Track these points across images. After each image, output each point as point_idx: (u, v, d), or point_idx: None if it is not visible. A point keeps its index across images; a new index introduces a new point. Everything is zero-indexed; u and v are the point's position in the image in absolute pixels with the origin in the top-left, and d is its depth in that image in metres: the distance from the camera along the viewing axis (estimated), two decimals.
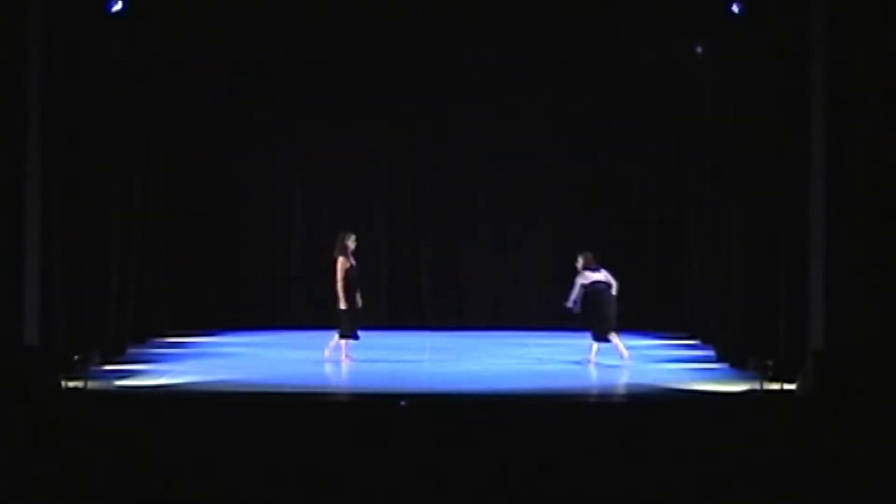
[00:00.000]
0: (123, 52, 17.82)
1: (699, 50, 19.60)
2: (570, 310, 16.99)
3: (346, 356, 16.98)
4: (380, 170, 22.26)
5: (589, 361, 16.92)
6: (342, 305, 16.77)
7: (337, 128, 22.05)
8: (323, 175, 22.29)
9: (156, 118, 19.91)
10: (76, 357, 14.70)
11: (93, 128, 16.59)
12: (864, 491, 9.64)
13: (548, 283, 22.14)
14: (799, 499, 9.58)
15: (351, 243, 16.88)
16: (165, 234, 20.76)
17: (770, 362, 14.67)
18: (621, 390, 15.55)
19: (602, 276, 16.92)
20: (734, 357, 16.63)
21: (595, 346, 16.92)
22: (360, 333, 16.96)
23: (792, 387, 14.27)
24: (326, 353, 17.06)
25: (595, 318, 16.91)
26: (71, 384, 14.16)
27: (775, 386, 14.38)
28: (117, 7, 16.61)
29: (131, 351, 17.97)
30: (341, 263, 16.80)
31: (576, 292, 16.94)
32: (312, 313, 20.78)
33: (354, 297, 16.82)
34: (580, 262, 17.07)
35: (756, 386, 14.47)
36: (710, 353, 18.06)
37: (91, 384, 14.34)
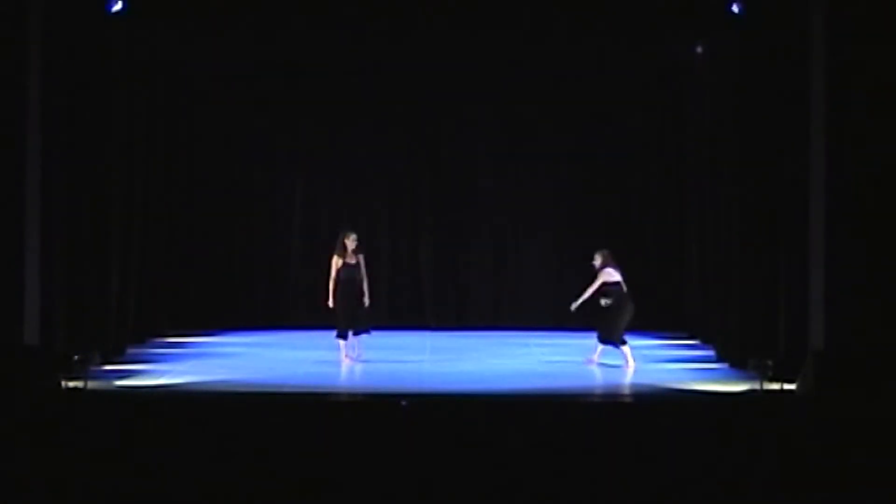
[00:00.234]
0: (123, 52, 17.82)
1: (699, 50, 19.60)
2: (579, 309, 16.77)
3: (346, 356, 16.97)
4: (380, 170, 22.25)
5: (591, 362, 16.88)
6: (330, 304, 16.79)
7: (337, 128, 22.05)
8: (323, 175, 22.28)
9: (156, 118, 19.91)
10: (76, 357, 14.69)
11: (93, 128, 16.59)
12: (864, 491, 9.64)
13: (548, 283, 22.19)
14: (799, 499, 9.58)
15: (350, 242, 16.86)
16: (165, 234, 20.76)
17: (770, 362, 14.66)
18: (621, 390, 15.54)
19: (619, 276, 16.83)
20: (734, 357, 16.63)
21: (600, 347, 16.85)
22: (362, 332, 16.93)
23: (792, 387, 14.27)
24: (341, 355, 17.03)
25: (611, 321, 16.72)
26: (71, 384, 14.15)
27: (775, 386, 14.38)
28: (117, 7, 16.60)
29: (131, 351, 17.97)
30: (334, 262, 16.82)
31: (592, 291, 16.69)
32: (312, 313, 20.77)
33: (348, 296, 16.77)
34: (598, 261, 16.81)
35: (756, 386, 14.46)
36: (710, 353, 18.06)
37: (91, 384, 14.33)
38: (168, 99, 20.70)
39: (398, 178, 22.34)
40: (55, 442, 11.05)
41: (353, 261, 16.82)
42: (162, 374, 15.84)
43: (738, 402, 14.11)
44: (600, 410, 13.80)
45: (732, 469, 10.21)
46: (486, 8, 17.81)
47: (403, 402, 12.90)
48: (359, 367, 16.75)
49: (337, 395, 15.23)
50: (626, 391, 15.48)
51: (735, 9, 16.51)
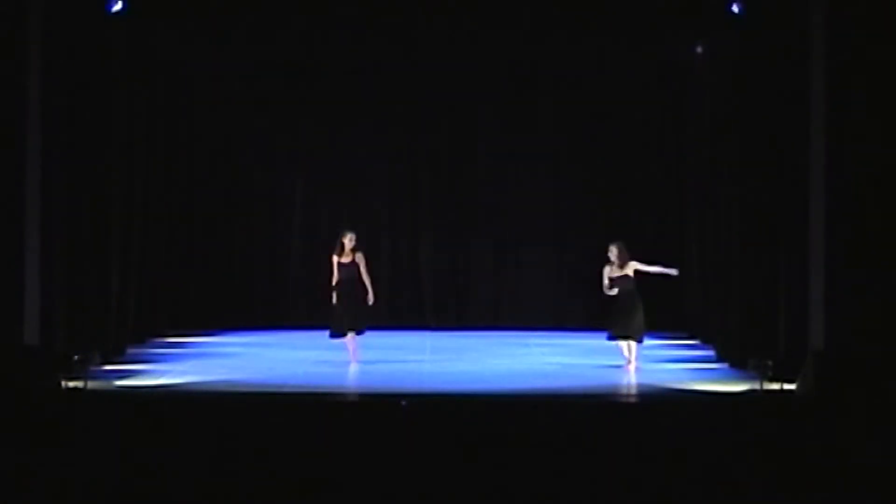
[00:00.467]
0: (123, 52, 17.82)
1: (699, 50, 19.60)
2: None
3: (354, 357, 16.92)
4: (380, 170, 22.25)
5: (629, 362, 16.68)
6: (334, 300, 16.81)
7: (337, 128, 22.04)
8: (323, 175, 22.28)
9: (156, 118, 19.91)
10: (76, 357, 14.69)
11: (93, 128, 16.59)
12: (864, 491, 9.64)
13: (548, 283, 22.19)
14: (799, 499, 9.58)
15: (347, 241, 16.80)
16: (165, 234, 20.76)
17: (770, 362, 14.66)
18: (622, 390, 15.53)
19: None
20: (734, 357, 16.63)
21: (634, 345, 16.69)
22: (358, 333, 16.90)
23: (792, 387, 14.27)
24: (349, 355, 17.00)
25: (633, 319, 16.63)
26: (71, 384, 14.15)
27: (775, 386, 14.37)
28: (117, 7, 16.60)
29: (131, 351, 17.96)
30: (333, 261, 16.82)
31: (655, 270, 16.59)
32: (312, 313, 20.78)
33: (345, 295, 16.73)
34: (615, 252, 16.64)
35: (756, 386, 14.46)
36: (710, 353, 18.06)
37: (91, 384, 14.33)
38: (168, 99, 20.69)
39: (398, 178, 22.33)
40: (55, 442, 11.05)
41: (348, 260, 16.76)
42: (162, 374, 15.83)
43: (738, 402, 14.11)
44: (600, 410, 13.79)
45: (732, 469, 10.20)
46: (486, 8, 17.81)
47: (403, 402, 12.90)
48: (357, 368, 16.72)
49: (337, 395, 15.22)
50: (627, 391, 15.47)
51: (735, 9, 16.51)
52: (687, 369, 16.66)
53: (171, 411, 12.84)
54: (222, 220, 22.02)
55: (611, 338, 16.69)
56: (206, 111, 21.82)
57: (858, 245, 14.51)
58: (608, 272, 16.66)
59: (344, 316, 16.72)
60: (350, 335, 16.79)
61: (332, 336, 16.86)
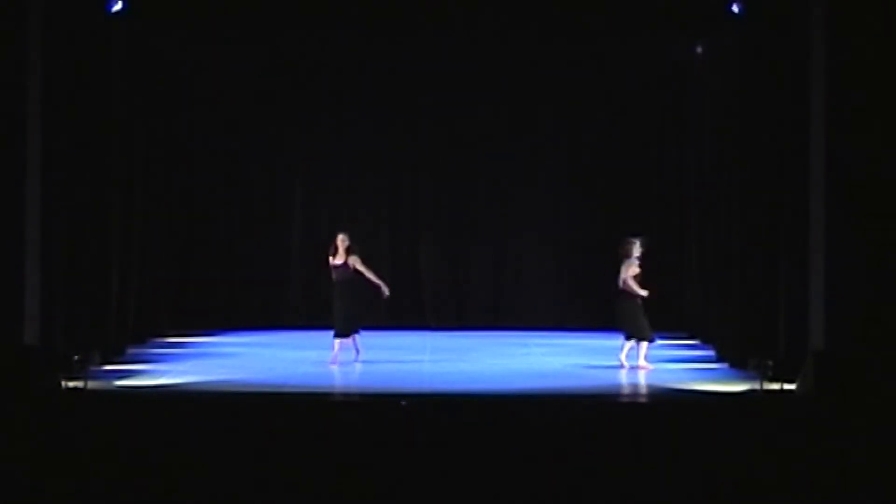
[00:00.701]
0: (123, 52, 17.83)
1: (699, 50, 19.61)
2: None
3: (335, 360, 16.87)
4: (380, 170, 22.27)
5: (643, 368, 16.63)
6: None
7: (337, 127, 22.06)
8: (323, 175, 22.29)
9: (156, 118, 19.91)
10: (76, 357, 14.69)
11: (93, 128, 16.59)
12: (864, 491, 9.64)
13: (548, 283, 22.20)
14: (799, 499, 9.58)
15: (339, 242, 16.82)
16: (165, 234, 20.77)
17: (770, 362, 14.66)
18: (622, 391, 15.53)
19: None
20: (734, 357, 16.63)
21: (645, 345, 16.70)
22: (347, 334, 16.86)
23: (792, 387, 14.27)
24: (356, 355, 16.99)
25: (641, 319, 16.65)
26: (71, 384, 14.15)
27: (775, 386, 14.37)
28: (117, 7, 16.62)
29: (131, 351, 17.97)
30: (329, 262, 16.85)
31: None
32: (312, 313, 20.79)
33: (338, 297, 16.71)
34: (639, 249, 16.70)
35: (756, 386, 14.46)
36: (710, 353, 18.06)
37: (91, 384, 14.33)
38: (168, 99, 20.70)
39: (398, 178, 22.34)
40: (55, 442, 11.05)
41: (340, 261, 16.75)
42: (162, 374, 15.83)
43: (738, 402, 14.11)
44: (600, 410, 13.79)
45: (732, 469, 10.20)
46: (486, 9, 17.81)
47: (403, 402, 12.90)
48: (358, 368, 16.71)
49: (337, 395, 15.23)
50: (627, 391, 15.47)
51: (735, 9, 16.52)
52: (687, 369, 16.67)
53: (171, 411, 12.83)
54: (222, 220, 22.04)
55: (651, 339, 16.64)
56: (206, 111, 21.83)
57: (858, 245, 14.50)
58: (634, 271, 16.57)
59: (344, 317, 16.71)
60: (335, 339, 16.76)
61: (336, 336, 16.82)
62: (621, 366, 16.50)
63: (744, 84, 16.69)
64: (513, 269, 22.41)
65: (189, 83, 21.48)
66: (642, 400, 14.79)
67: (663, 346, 19.00)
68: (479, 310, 22.28)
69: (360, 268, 16.77)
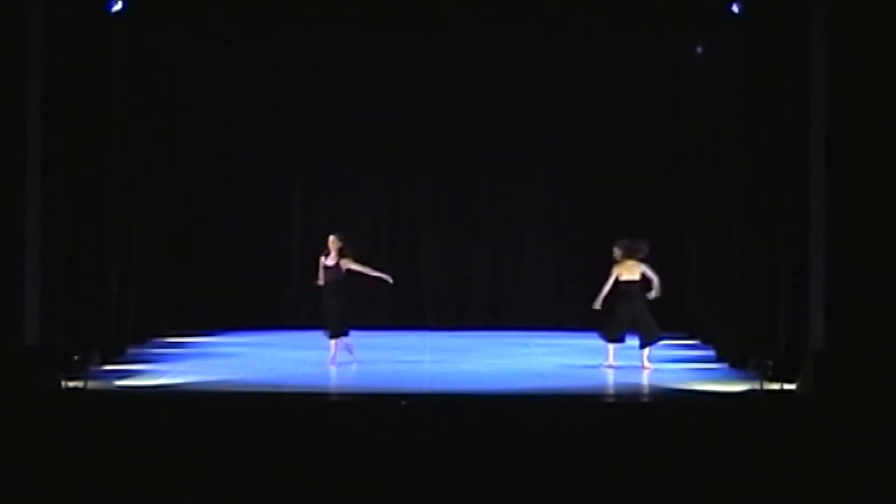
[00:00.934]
0: (123, 52, 17.82)
1: (699, 50, 19.61)
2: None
3: (333, 360, 16.85)
4: (380, 170, 22.25)
5: (645, 368, 16.61)
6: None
7: (337, 127, 22.04)
8: (323, 175, 22.28)
9: (156, 118, 19.91)
10: (76, 357, 14.69)
11: (93, 128, 16.59)
12: (864, 491, 9.64)
13: (548, 283, 22.19)
14: (799, 499, 9.58)
15: (331, 243, 16.79)
16: (165, 234, 20.76)
17: (770, 362, 14.66)
18: (621, 391, 15.52)
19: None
20: (734, 357, 16.63)
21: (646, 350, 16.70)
22: (337, 335, 16.79)
23: (792, 387, 14.27)
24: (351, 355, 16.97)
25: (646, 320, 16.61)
26: (71, 384, 14.15)
27: (775, 386, 14.38)
28: (117, 7, 16.62)
29: (131, 351, 17.96)
30: (321, 262, 16.84)
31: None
32: (312, 313, 20.78)
33: (327, 297, 16.72)
34: (619, 253, 16.62)
35: (756, 386, 14.46)
36: (710, 353, 18.06)
37: (91, 384, 14.33)
38: (168, 99, 20.70)
39: (398, 178, 22.33)
40: (55, 442, 11.05)
41: (332, 262, 16.74)
42: (162, 374, 15.83)
43: (738, 402, 14.11)
44: (600, 410, 13.80)
45: (732, 469, 10.20)
46: (486, 9, 17.81)
47: (403, 402, 12.90)
48: (354, 368, 16.68)
49: (336, 395, 15.23)
50: (627, 392, 15.46)
51: (735, 9, 16.51)
52: (687, 369, 16.66)
53: (171, 411, 12.83)
54: (222, 220, 22.03)
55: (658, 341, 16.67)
56: (206, 111, 21.82)
57: (858, 245, 14.51)
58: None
59: (334, 317, 16.68)
60: (331, 340, 16.74)
61: (331, 337, 16.81)
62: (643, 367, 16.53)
63: (744, 84, 16.69)
64: (513, 269, 22.40)
65: (189, 83, 21.47)
66: (642, 400, 14.78)
67: (663, 346, 19.02)
68: (479, 310, 22.27)
69: (356, 268, 16.72)
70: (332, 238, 16.77)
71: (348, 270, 16.66)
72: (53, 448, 10.81)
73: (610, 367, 16.55)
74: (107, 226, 17.25)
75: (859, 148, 14.52)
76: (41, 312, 14.87)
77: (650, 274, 16.52)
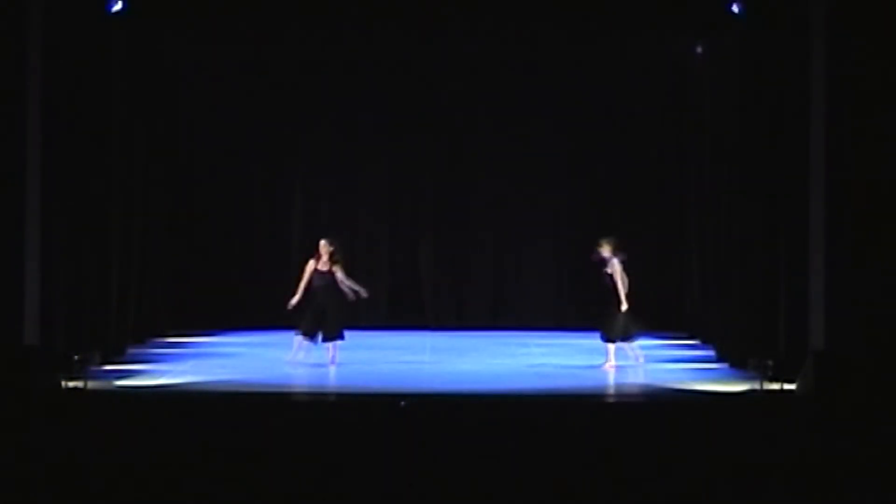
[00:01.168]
0: (123, 52, 17.82)
1: (699, 50, 19.61)
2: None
3: (295, 356, 16.83)
4: (380, 170, 22.26)
5: (638, 362, 16.73)
6: (292, 302, 16.87)
7: (337, 127, 22.05)
8: (323, 175, 22.28)
9: (156, 118, 19.91)
10: (76, 357, 14.69)
11: (93, 128, 16.59)
12: (863, 491, 9.64)
13: (548, 283, 22.20)
14: (799, 499, 9.58)
15: (322, 248, 16.80)
16: (165, 234, 20.76)
17: (770, 362, 14.67)
18: (621, 391, 15.53)
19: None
20: (734, 357, 16.63)
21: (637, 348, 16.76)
22: (337, 339, 16.78)
23: (792, 387, 14.27)
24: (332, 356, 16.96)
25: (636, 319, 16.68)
26: (71, 384, 14.15)
27: (775, 386, 14.38)
28: (117, 7, 16.61)
29: (131, 351, 17.97)
30: (308, 266, 16.87)
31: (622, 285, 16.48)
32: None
33: (314, 301, 16.71)
34: (607, 250, 16.71)
35: (756, 386, 14.47)
36: (710, 353, 18.06)
37: (91, 384, 14.34)
38: (168, 99, 20.70)
39: (398, 178, 22.33)
40: (55, 442, 11.05)
41: (325, 268, 16.74)
42: (162, 374, 15.83)
43: (738, 402, 14.11)
44: (600, 410, 13.80)
45: (732, 469, 10.20)
46: (486, 9, 17.81)
47: (403, 402, 12.90)
48: (335, 370, 16.66)
49: (336, 395, 15.22)
50: (627, 391, 15.47)
51: (735, 9, 16.51)
52: (687, 369, 16.66)
53: (171, 411, 12.84)
54: (222, 220, 22.02)
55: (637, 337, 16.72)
56: (206, 111, 21.82)
57: (858, 245, 14.51)
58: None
59: (314, 321, 16.66)
60: (330, 342, 16.74)
61: (300, 334, 16.80)
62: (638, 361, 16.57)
63: (744, 84, 16.69)
64: (513, 269, 22.41)
65: (189, 83, 21.47)
66: (642, 400, 14.78)
67: (663, 346, 19.03)
68: (479, 310, 22.27)
69: (341, 277, 16.72)
70: (323, 243, 16.81)
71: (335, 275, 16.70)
72: (53, 448, 10.80)
73: (610, 366, 16.55)
74: (107, 226, 17.25)
75: (859, 148, 14.51)
76: (41, 312, 14.88)
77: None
